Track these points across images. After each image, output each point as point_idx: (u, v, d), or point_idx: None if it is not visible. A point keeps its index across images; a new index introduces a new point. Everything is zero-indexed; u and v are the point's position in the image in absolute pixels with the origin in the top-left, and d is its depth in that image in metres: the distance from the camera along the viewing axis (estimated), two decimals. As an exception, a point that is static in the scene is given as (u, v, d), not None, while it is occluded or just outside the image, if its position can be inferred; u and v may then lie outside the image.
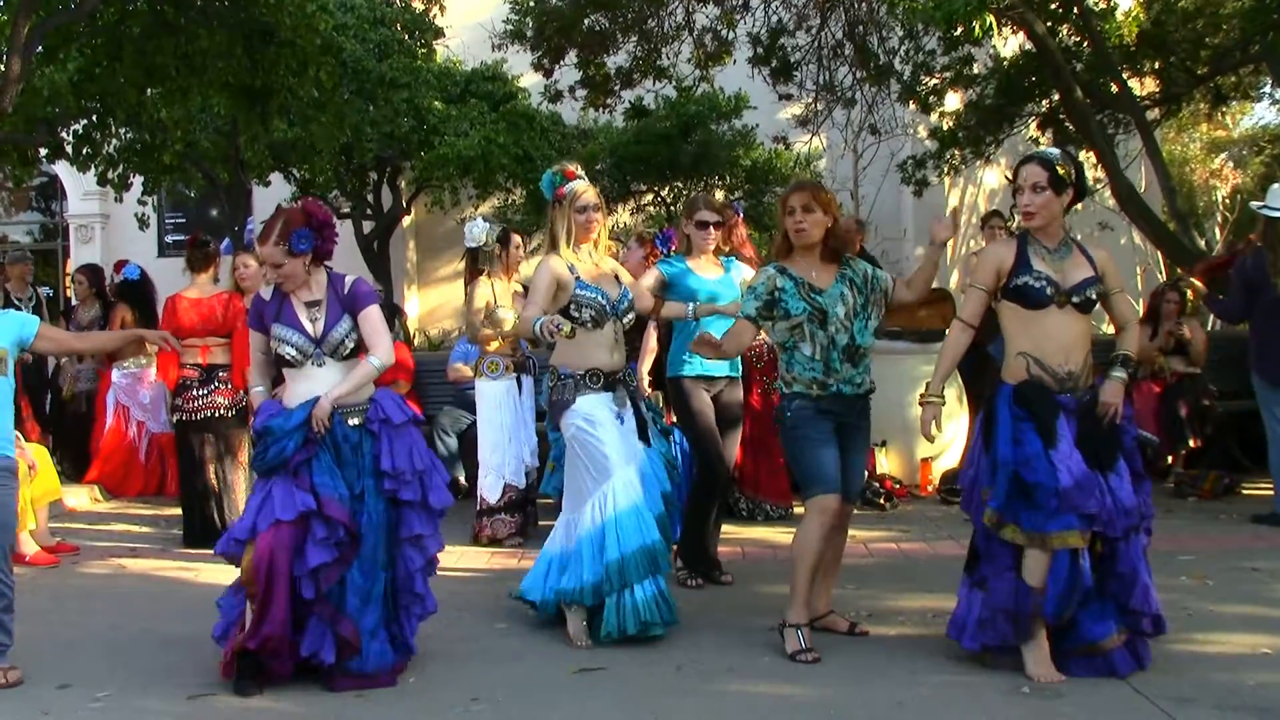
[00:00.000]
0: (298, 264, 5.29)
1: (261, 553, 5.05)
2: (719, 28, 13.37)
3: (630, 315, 6.09)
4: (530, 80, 15.97)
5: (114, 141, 12.62)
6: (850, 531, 6.05)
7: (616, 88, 13.92)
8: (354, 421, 5.27)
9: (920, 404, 5.47)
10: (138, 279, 10.60)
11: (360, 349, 5.35)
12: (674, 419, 7.42)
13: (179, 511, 8.87)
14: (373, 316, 5.37)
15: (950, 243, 5.99)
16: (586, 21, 12.90)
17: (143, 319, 10.37)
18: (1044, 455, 5.02)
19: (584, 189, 6.00)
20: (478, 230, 8.55)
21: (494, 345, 8.34)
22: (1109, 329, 6.21)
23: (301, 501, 5.07)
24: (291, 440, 5.12)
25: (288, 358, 5.26)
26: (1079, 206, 5.57)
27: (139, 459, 10.95)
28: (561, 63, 13.47)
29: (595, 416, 5.79)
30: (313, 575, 5.07)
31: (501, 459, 8.33)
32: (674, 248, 7.44)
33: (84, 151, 12.08)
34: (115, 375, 10.82)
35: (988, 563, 5.27)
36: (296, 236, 5.24)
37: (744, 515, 9.00)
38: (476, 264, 8.58)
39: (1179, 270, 14.89)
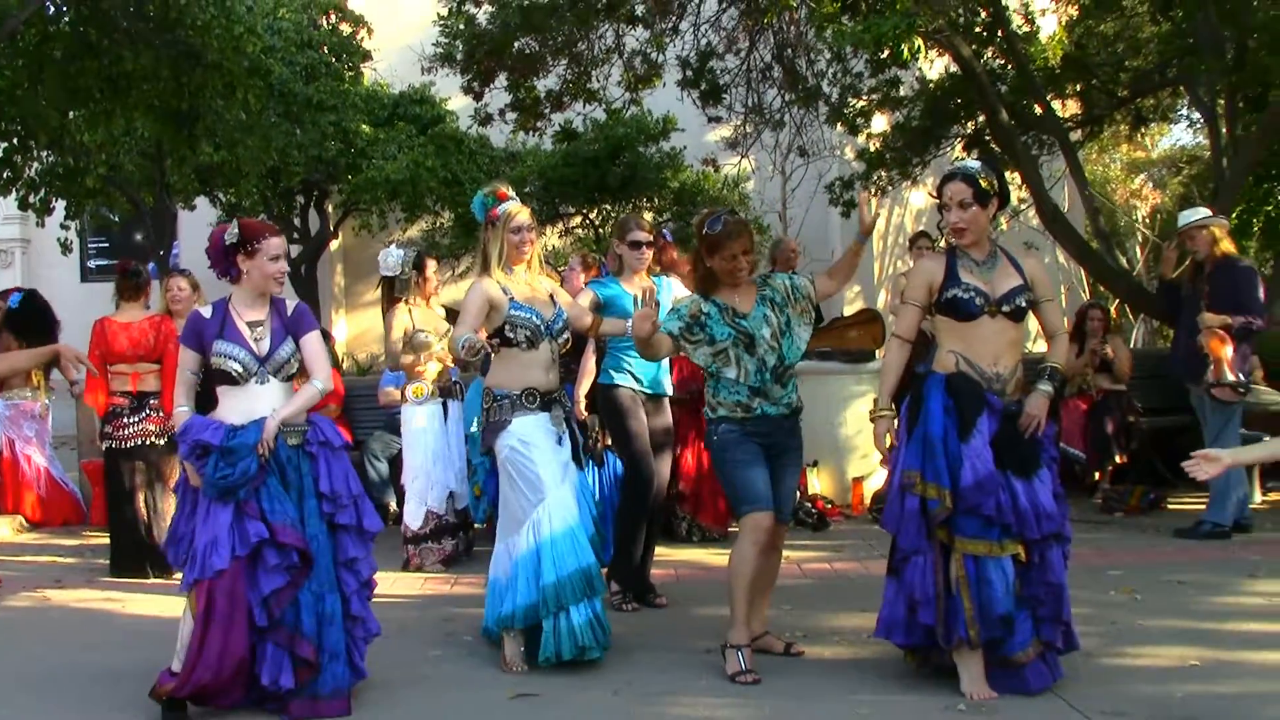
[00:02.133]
0: None
1: (200, 596, 5.01)
2: (649, 51, 13.40)
3: (566, 335, 6.08)
4: (458, 103, 15.93)
5: (35, 165, 12.45)
6: (783, 552, 6.06)
7: (547, 110, 13.91)
8: (293, 442, 5.22)
9: (872, 419, 5.51)
10: (16, 308, 10.35)
11: (302, 371, 5.31)
12: (608, 440, 7.42)
13: (104, 540, 8.75)
14: (314, 341, 5.37)
15: (876, 265, 6.09)
16: (516, 44, 12.86)
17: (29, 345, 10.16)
18: (958, 451, 5.09)
19: (517, 210, 5.98)
20: (393, 259, 8.45)
21: (418, 367, 8.31)
22: (1037, 348, 6.29)
23: (254, 532, 5.02)
24: (255, 460, 5.06)
25: (232, 374, 5.20)
26: (1004, 224, 5.66)
27: (61, 489, 10.79)
28: (491, 86, 13.43)
29: (530, 438, 5.76)
30: (265, 602, 5.02)
31: (425, 485, 8.29)
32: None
33: (4, 175, 11.89)
34: None
35: (902, 547, 5.28)
36: None
37: (683, 536, 9.01)
38: (393, 292, 8.51)
39: (1103, 289, 15.12)
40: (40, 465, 10.65)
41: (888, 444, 5.39)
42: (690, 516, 9.02)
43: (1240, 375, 8.36)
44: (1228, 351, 8.27)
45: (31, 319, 10.33)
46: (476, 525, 8.62)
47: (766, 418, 5.63)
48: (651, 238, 7.12)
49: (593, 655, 5.68)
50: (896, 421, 5.38)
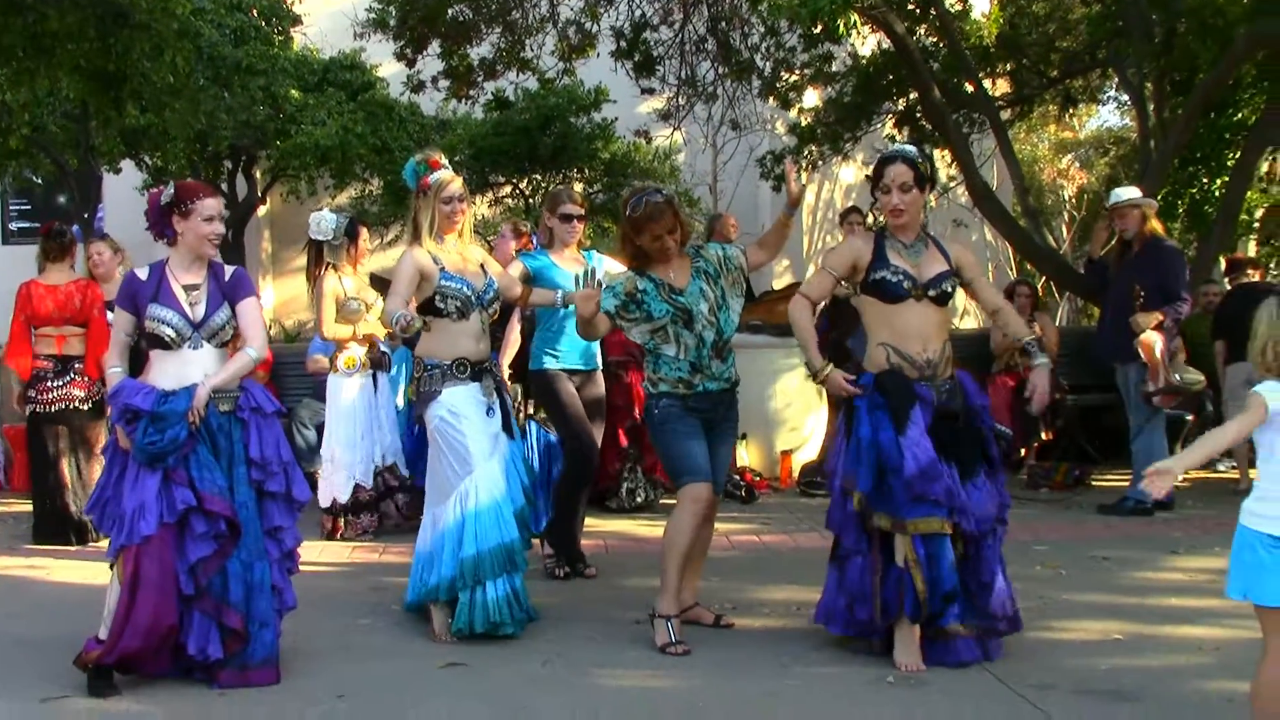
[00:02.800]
0: None
1: (127, 562, 4.94)
2: (583, 20, 13.35)
3: (496, 305, 6.04)
4: (389, 70, 15.79)
5: (-45, 125, 12.20)
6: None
7: (480, 79, 13.82)
8: (225, 408, 5.16)
9: (820, 381, 5.45)
10: None
11: (237, 337, 5.26)
12: (532, 412, 7.42)
13: (26, 507, 8.63)
14: (251, 307, 5.30)
15: (806, 239, 6.11)
16: (450, 11, 12.77)
17: None
18: (895, 442, 5.11)
19: (449, 179, 5.92)
20: (327, 223, 8.32)
21: (352, 337, 8.24)
22: (964, 324, 6.34)
23: (181, 499, 4.95)
24: (184, 427, 4.99)
25: (165, 338, 5.12)
26: (933, 203, 5.69)
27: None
28: (424, 53, 13.32)
29: (460, 409, 5.73)
30: (191, 570, 4.97)
31: (353, 459, 8.21)
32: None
33: (-77, 135, 11.65)
34: None
35: (844, 546, 5.39)
36: None
37: (624, 501, 9.13)
38: (321, 256, 8.40)
39: (1030, 268, 15.27)
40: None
41: (850, 390, 5.30)
42: (639, 475, 9.08)
43: (1176, 377, 8.48)
44: (1159, 349, 8.40)
45: None
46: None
47: (708, 393, 5.64)
48: (583, 211, 7.11)
49: (506, 631, 5.67)
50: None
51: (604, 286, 5.72)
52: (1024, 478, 10.01)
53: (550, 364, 6.93)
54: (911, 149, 5.49)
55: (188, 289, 5.22)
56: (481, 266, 6.02)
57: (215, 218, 5.24)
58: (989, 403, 5.61)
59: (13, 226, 20.70)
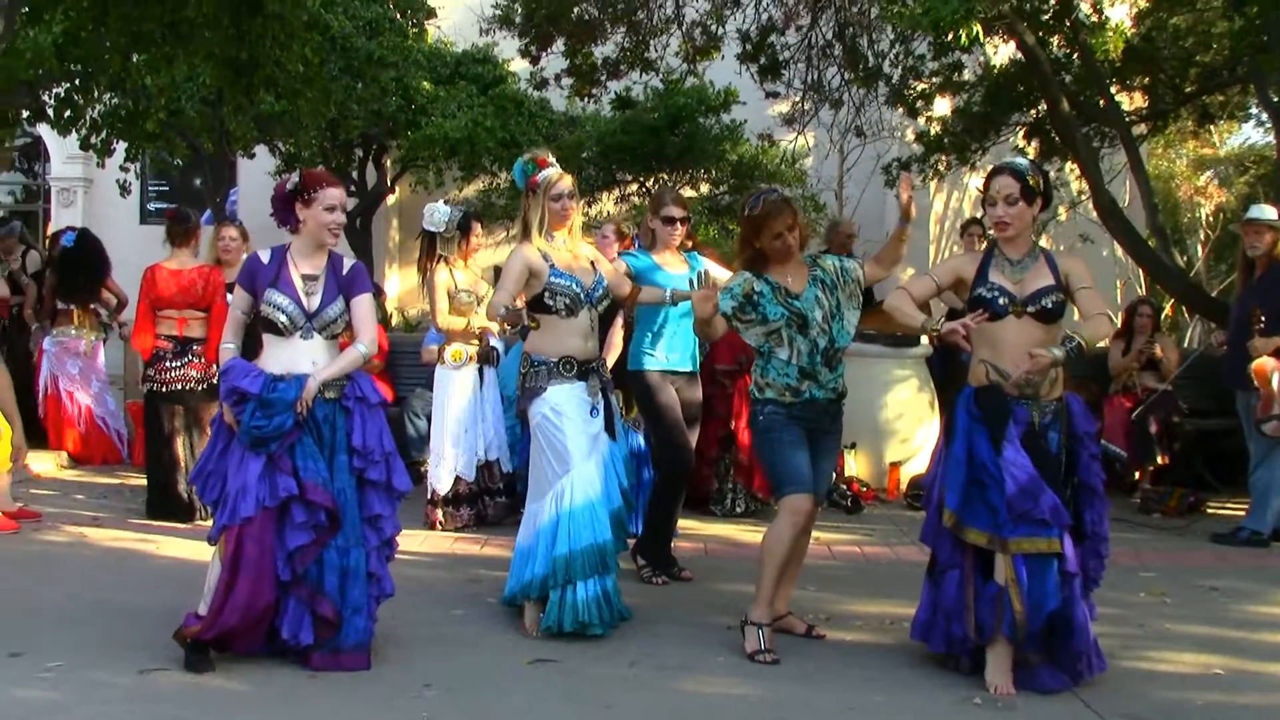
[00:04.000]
0: None
1: (229, 541, 5.06)
2: (708, 23, 13.35)
3: (605, 302, 6.07)
4: (520, 65, 15.96)
5: (98, 106, 12.54)
6: (813, 533, 6.03)
7: (603, 78, 13.90)
8: (330, 395, 5.25)
9: (941, 333, 5.12)
10: (71, 246, 10.56)
11: (349, 330, 5.36)
12: (630, 416, 7.42)
13: (143, 481, 8.85)
14: (365, 304, 5.38)
15: (932, 249, 6.03)
16: (576, 10, 12.87)
17: (63, 282, 10.45)
18: (995, 461, 5.04)
19: (558, 176, 5.96)
20: (439, 215, 8.41)
21: (463, 329, 8.32)
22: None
23: (284, 487, 5.07)
24: (291, 416, 5.10)
25: (278, 325, 5.24)
26: (1063, 215, 5.57)
27: (102, 428, 10.90)
28: (549, 50, 13.43)
29: (562, 407, 5.76)
30: (289, 558, 5.08)
31: (455, 450, 8.29)
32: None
33: (66, 115, 11.99)
34: (46, 343, 10.75)
35: (940, 560, 5.34)
36: None
37: (726, 507, 9.07)
38: (433, 248, 8.50)
39: (1158, 286, 14.94)
40: (83, 403, 10.78)
41: (970, 326, 5.07)
42: (738, 485, 9.03)
43: None
44: (1276, 378, 8.15)
45: (83, 258, 10.50)
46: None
47: (813, 402, 5.61)
48: (685, 214, 7.10)
49: (595, 632, 5.68)
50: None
51: (723, 289, 5.72)
52: (1137, 501, 9.78)
53: (652, 365, 6.93)
54: (1022, 161, 5.39)
55: (306, 279, 5.32)
56: (592, 264, 6.04)
57: (337, 207, 5.33)
58: (1097, 427, 5.48)
59: (150, 207, 21.27)
